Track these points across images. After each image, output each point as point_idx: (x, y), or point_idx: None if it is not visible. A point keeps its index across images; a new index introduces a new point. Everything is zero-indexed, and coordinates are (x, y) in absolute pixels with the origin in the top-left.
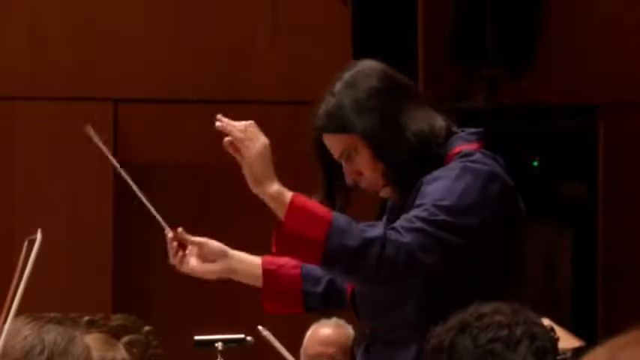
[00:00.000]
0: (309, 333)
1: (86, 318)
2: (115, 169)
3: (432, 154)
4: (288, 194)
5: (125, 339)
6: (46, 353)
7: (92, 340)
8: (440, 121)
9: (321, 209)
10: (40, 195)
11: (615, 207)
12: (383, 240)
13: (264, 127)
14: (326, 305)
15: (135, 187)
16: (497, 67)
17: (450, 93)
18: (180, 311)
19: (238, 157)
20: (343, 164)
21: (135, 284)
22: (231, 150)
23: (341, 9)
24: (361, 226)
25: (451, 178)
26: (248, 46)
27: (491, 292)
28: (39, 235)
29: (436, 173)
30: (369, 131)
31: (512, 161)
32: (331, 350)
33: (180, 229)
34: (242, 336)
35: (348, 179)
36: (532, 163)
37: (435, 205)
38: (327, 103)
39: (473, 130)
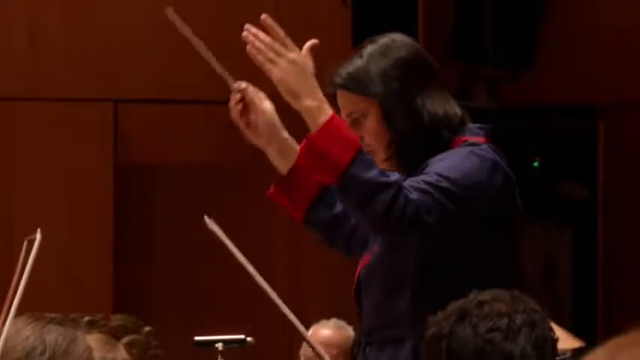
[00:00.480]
0: (308, 334)
1: (86, 318)
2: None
3: (439, 138)
4: (328, 112)
5: (125, 339)
6: (47, 354)
7: (93, 340)
8: (456, 110)
9: (354, 137)
10: (40, 195)
11: (615, 207)
12: (398, 189)
13: None
14: (323, 229)
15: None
16: (498, 68)
17: (450, 93)
18: (181, 311)
19: (268, 70)
20: (348, 126)
21: (135, 285)
22: (259, 59)
23: (341, 10)
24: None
25: (459, 157)
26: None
27: (486, 285)
28: (38, 235)
29: (442, 155)
30: (386, 98)
31: (512, 161)
32: (332, 352)
33: (244, 84)
34: (242, 336)
35: None
36: (532, 163)
37: (440, 175)
38: (354, 64)
39: (482, 125)
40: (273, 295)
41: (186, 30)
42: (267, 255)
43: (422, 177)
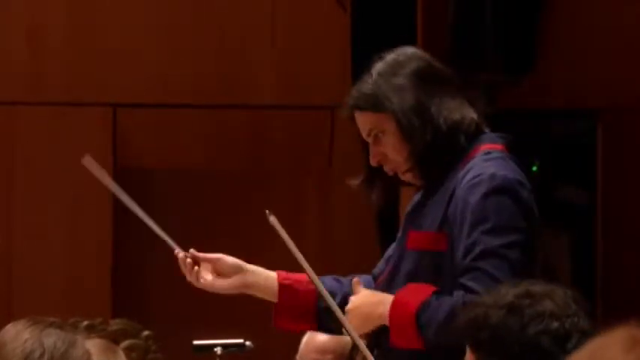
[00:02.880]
0: (304, 340)
1: (85, 322)
2: (114, 195)
3: (458, 145)
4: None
5: (124, 343)
6: (46, 357)
7: (92, 346)
8: (472, 115)
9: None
10: (40, 199)
11: (614, 211)
12: (462, 301)
13: (262, 131)
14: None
15: (139, 211)
16: (497, 73)
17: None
18: (180, 315)
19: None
20: (370, 145)
21: (134, 288)
22: None
23: (339, 14)
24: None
25: (494, 207)
26: (247, 51)
27: None
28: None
29: (469, 190)
30: (400, 111)
31: None
32: (327, 357)
33: (192, 250)
34: (241, 341)
35: (372, 160)
36: (531, 167)
37: (483, 233)
38: (365, 82)
39: (500, 134)
40: (329, 299)
41: (101, 175)
42: (267, 257)
43: (470, 257)
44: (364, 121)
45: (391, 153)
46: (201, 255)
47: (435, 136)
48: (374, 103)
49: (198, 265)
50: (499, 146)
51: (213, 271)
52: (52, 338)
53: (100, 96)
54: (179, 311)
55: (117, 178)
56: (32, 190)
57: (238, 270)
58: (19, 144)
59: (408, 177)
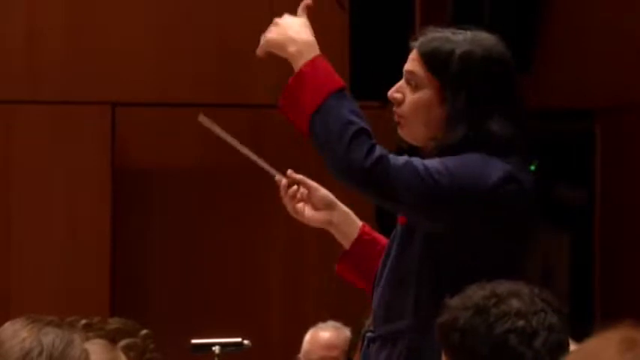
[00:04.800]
0: (308, 337)
1: (83, 321)
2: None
3: (481, 151)
4: (313, 54)
5: (122, 343)
6: (44, 356)
7: (91, 345)
8: (506, 135)
9: (337, 77)
10: (39, 198)
11: (613, 210)
12: (368, 133)
13: (262, 130)
14: None
15: (235, 141)
16: None
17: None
18: (178, 314)
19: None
20: (403, 79)
21: (132, 287)
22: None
23: (338, 13)
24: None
25: (474, 158)
26: (246, 50)
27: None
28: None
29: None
30: (451, 92)
31: None
32: (334, 354)
33: (289, 171)
34: (239, 340)
35: (390, 93)
36: (529, 167)
37: (445, 165)
38: (445, 39)
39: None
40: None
41: (219, 131)
42: (265, 257)
43: (426, 160)
44: (415, 63)
45: (411, 109)
46: (299, 177)
47: (457, 133)
48: (436, 63)
49: (298, 187)
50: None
51: (307, 200)
52: (51, 337)
53: (98, 95)
54: (177, 310)
55: (115, 176)
56: (30, 189)
57: (329, 205)
58: (17, 142)
59: (408, 138)
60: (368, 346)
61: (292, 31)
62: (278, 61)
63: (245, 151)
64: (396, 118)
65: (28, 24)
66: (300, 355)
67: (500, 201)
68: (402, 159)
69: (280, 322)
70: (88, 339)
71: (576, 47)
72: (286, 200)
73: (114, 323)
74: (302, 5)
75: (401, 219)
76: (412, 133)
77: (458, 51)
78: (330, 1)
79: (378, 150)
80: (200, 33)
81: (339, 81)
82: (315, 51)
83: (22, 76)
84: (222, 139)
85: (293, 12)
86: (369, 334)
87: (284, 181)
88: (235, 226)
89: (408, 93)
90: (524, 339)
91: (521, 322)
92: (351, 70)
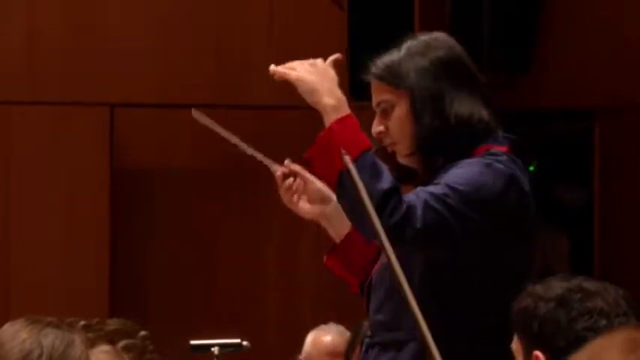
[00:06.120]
0: (310, 341)
1: (82, 322)
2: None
3: (461, 140)
4: (345, 111)
5: (121, 343)
6: (44, 357)
7: (98, 353)
8: (483, 115)
9: (364, 139)
10: (38, 198)
11: (612, 211)
12: (393, 193)
13: (262, 130)
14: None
15: (235, 138)
16: (495, 73)
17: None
18: (177, 315)
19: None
20: (376, 115)
21: (131, 288)
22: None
23: (337, 13)
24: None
25: (474, 169)
26: (246, 51)
27: (493, 298)
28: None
29: (461, 163)
30: (418, 92)
31: None
32: (336, 358)
33: (287, 161)
34: (238, 340)
35: (374, 131)
36: (529, 167)
37: (450, 186)
38: (391, 56)
39: (507, 134)
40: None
41: (214, 125)
42: (264, 258)
43: (431, 187)
44: (380, 91)
45: (396, 130)
46: (297, 167)
47: (441, 126)
48: (395, 77)
49: (294, 179)
50: (504, 148)
51: (303, 192)
52: (51, 338)
53: (97, 95)
54: (176, 311)
55: (114, 177)
56: (29, 189)
57: (323, 199)
58: (17, 143)
59: (407, 161)
60: (367, 351)
61: (330, 82)
62: (277, 61)
63: (240, 144)
64: (390, 150)
65: (28, 24)
66: (301, 357)
67: (506, 209)
68: (413, 200)
69: (279, 323)
70: (89, 340)
71: (576, 47)
72: (282, 191)
73: (113, 324)
74: (332, 59)
75: None
76: (409, 153)
77: (403, 54)
78: (328, 1)
79: (393, 203)
80: (199, 34)
81: (365, 142)
82: (347, 110)
83: (22, 76)
84: (219, 137)
85: (293, 12)
86: (366, 340)
87: (279, 172)
88: (234, 227)
89: (388, 121)
90: None
91: (603, 322)
92: (350, 70)
